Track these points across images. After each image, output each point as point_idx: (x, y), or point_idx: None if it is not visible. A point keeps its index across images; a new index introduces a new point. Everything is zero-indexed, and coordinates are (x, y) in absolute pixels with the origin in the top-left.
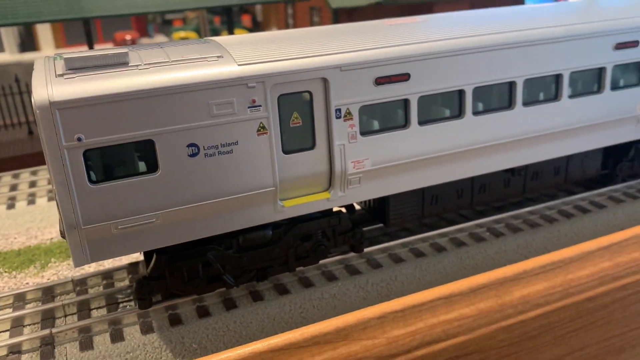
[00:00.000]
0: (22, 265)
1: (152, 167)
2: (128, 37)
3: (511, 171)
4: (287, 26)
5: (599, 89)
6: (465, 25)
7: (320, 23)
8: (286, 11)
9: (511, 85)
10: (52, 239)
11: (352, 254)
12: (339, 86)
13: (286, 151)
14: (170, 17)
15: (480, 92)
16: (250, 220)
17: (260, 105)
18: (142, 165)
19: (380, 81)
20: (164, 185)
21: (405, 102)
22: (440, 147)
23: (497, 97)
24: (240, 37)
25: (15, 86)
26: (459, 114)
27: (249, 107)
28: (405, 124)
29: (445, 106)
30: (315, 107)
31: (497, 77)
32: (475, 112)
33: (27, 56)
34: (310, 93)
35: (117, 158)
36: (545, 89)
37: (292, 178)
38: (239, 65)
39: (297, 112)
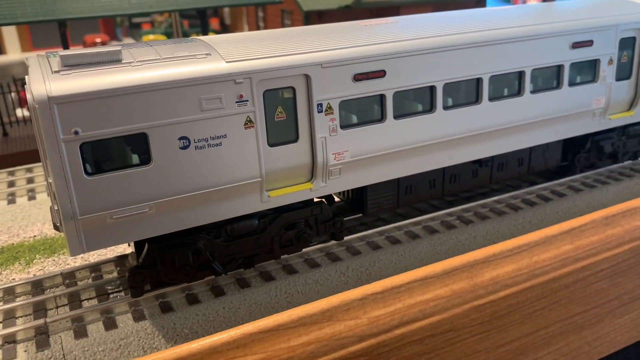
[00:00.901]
0: (7, 262)
1: (146, 159)
2: (98, 39)
3: (479, 162)
4: (257, 29)
5: (558, 85)
6: (435, 26)
7: (291, 26)
8: (257, 14)
9: (478, 81)
10: (34, 236)
11: (332, 242)
12: (320, 82)
13: (271, 144)
14: (138, 20)
15: (450, 88)
16: (238, 209)
17: (247, 100)
18: (135, 158)
19: (358, 77)
20: (156, 176)
21: (382, 98)
22: (414, 139)
23: (465, 93)
24: (226, 36)
25: None
26: (430, 108)
27: (236, 102)
28: (382, 118)
29: (418, 101)
30: (298, 102)
31: (465, 74)
32: (446, 107)
33: None
34: (293, 89)
35: (112, 151)
36: (509, 85)
37: (277, 169)
38: (227, 62)
39: (282, 106)
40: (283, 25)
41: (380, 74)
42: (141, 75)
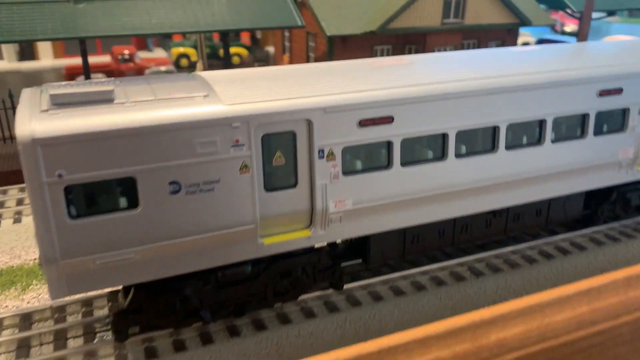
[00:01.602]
0: (4, 286)
1: (133, 203)
2: (126, 51)
3: (493, 212)
4: (283, 48)
5: (582, 135)
6: (450, 69)
7: (315, 48)
8: (283, 34)
9: (494, 129)
10: (35, 259)
11: (332, 291)
12: (323, 127)
13: (268, 189)
14: None
15: (464, 136)
16: (229, 257)
17: (243, 145)
18: (122, 202)
19: (364, 123)
20: (143, 221)
21: (389, 144)
22: (423, 188)
23: (480, 141)
24: (227, 73)
25: (9, 101)
26: (441, 156)
27: (232, 146)
28: (388, 164)
29: (429, 148)
30: (298, 146)
31: (480, 121)
32: (458, 155)
33: (25, 65)
34: (294, 133)
35: (97, 194)
36: (528, 134)
37: (273, 215)
38: (225, 105)
39: (281, 151)
40: (307, 48)
41: (388, 120)
42: (133, 117)
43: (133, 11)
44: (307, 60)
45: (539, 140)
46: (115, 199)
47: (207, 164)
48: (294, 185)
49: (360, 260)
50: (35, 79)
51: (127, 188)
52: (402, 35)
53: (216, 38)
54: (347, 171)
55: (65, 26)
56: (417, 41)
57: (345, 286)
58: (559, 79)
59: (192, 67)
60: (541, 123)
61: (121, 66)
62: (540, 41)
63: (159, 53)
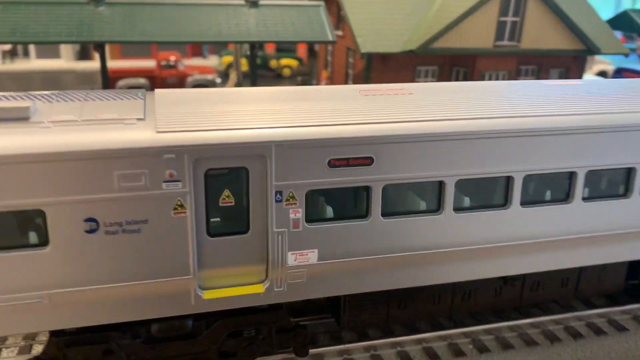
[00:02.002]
0: None
1: (42, 240)
2: (172, 57)
3: (504, 279)
4: (326, 63)
5: (626, 194)
6: (455, 104)
7: (354, 65)
8: (327, 48)
9: (508, 180)
10: None
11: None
12: (282, 165)
13: (213, 234)
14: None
15: (467, 186)
16: (160, 310)
17: (179, 181)
18: (31, 237)
19: (334, 163)
20: (54, 262)
21: (367, 190)
22: (410, 245)
23: (488, 193)
24: (185, 93)
25: None
26: (437, 208)
27: (164, 182)
28: (367, 214)
29: (420, 198)
30: (251, 186)
31: (488, 169)
32: (459, 209)
33: (82, 65)
34: (246, 170)
35: (2, 227)
36: (553, 188)
37: (219, 265)
38: (157, 132)
39: (229, 190)
40: (347, 64)
41: (366, 161)
42: (44, 141)
43: (155, 17)
44: (346, 77)
45: (566, 197)
46: (21, 234)
47: (131, 201)
48: (245, 231)
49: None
50: (87, 79)
51: (36, 222)
52: (450, 57)
53: (270, 48)
54: (313, 219)
55: (79, 30)
56: (465, 63)
57: (315, 351)
58: (597, 123)
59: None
60: (571, 176)
61: (163, 72)
62: (618, 71)
63: (212, 61)
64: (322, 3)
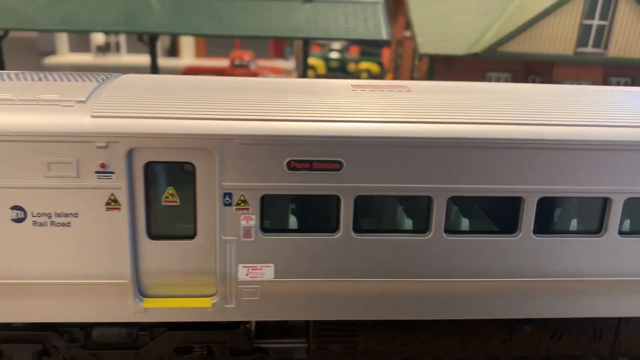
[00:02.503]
0: None
1: None
2: (246, 57)
3: (511, 323)
4: (395, 66)
5: None
6: (459, 105)
7: (419, 67)
8: (396, 50)
9: (518, 202)
10: None
11: None
12: (232, 163)
13: (154, 236)
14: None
15: (464, 204)
16: (95, 314)
17: (111, 172)
18: None
19: (295, 165)
20: None
21: (336, 200)
22: (388, 270)
23: (491, 214)
24: (151, 78)
25: None
26: (424, 228)
27: (96, 173)
28: (336, 228)
29: (406, 215)
30: (198, 185)
31: (491, 186)
32: (451, 231)
33: (169, 62)
34: (192, 166)
35: None
36: (578, 215)
37: (161, 272)
38: (92, 116)
39: (174, 187)
40: (413, 67)
41: (334, 165)
42: None
43: (204, 10)
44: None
45: (599, 230)
46: None
47: (61, 191)
48: (192, 236)
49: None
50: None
51: None
52: (525, 63)
53: (354, 52)
54: (269, 228)
55: (129, 20)
56: (542, 71)
57: None
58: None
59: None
60: (605, 203)
61: (235, 71)
62: None
63: (290, 63)
64: (380, 0)
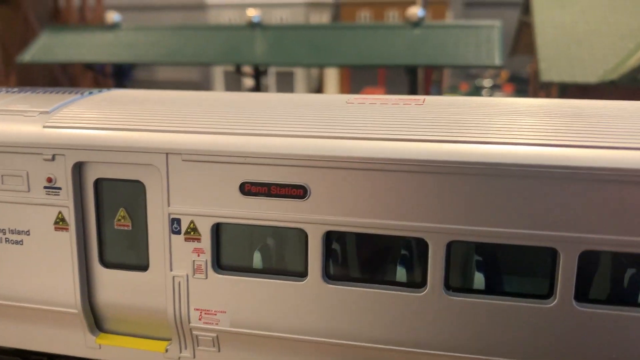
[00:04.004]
0: None
1: None
2: (379, 94)
3: None
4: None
5: None
6: (475, 122)
7: (550, 96)
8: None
9: (554, 255)
10: None
11: None
12: (179, 183)
13: (107, 264)
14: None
15: (469, 252)
16: (50, 344)
17: (59, 188)
18: None
19: (250, 189)
20: None
21: (304, 235)
22: (372, 333)
23: (512, 265)
24: (135, 93)
25: None
26: (420, 284)
27: (45, 188)
28: (304, 272)
29: (394, 262)
30: (149, 207)
31: (506, 226)
32: (453, 289)
33: None
34: (142, 185)
35: None
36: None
37: (117, 305)
38: (43, 127)
39: (125, 209)
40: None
41: (296, 191)
42: None
43: (304, 41)
44: None
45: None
46: None
47: (13, 206)
48: (145, 267)
49: None
50: None
51: None
52: None
53: (508, 90)
54: (225, 265)
55: (233, 52)
56: None
57: None
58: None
59: None
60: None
61: None
62: None
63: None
64: (498, 23)
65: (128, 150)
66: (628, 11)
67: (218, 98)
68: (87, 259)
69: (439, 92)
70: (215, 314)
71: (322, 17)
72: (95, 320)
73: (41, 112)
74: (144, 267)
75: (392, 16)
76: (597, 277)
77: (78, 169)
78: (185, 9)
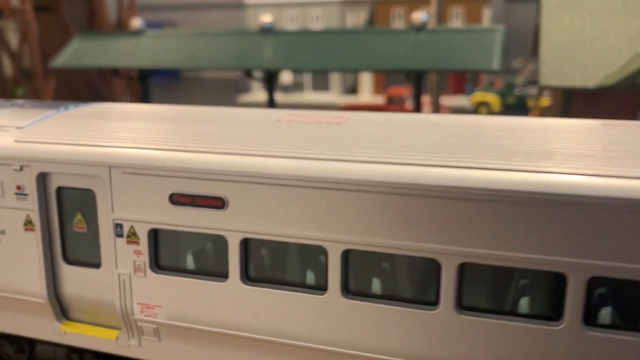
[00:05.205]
0: None
1: None
2: (404, 93)
3: None
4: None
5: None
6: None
7: (551, 101)
8: None
9: (433, 265)
10: None
11: None
12: (120, 193)
13: (69, 261)
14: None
15: (368, 261)
16: (25, 328)
17: (27, 194)
18: None
19: (178, 200)
20: None
21: (223, 241)
22: (282, 329)
23: (404, 278)
24: (111, 107)
25: None
26: (323, 286)
27: (16, 194)
28: (225, 274)
29: (302, 266)
30: (99, 213)
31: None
32: (355, 294)
33: (344, 99)
34: (93, 193)
35: None
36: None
37: (77, 297)
38: (14, 141)
39: (82, 214)
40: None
41: (216, 202)
42: None
43: (312, 46)
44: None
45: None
46: None
47: None
48: (98, 265)
49: None
50: None
51: None
52: None
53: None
54: (161, 266)
55: (245, 57)
56: None
57: None
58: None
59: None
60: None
61: (390, 107)
62: None
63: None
64: (500, 27)
65: (81, 164)
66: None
67: (168, 113)
68: (52, 256)
69: (472, 89)
70: (154, 308)
71: (358, 16)
72: (62, 310)
73: (16, 127)
74: (97, 264)
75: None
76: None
77: (42, 179)
78: (224, 8)
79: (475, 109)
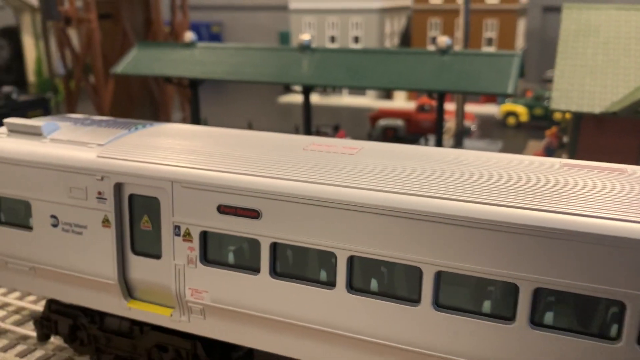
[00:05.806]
0: None
1: (30, 225)
2: (434, 102)
3: None
4: None
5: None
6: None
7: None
8: None
9: (418, 272)
10: None
11: None
12: (180, 202)
13: (136, 252)
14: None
15: (367, 266)
16: (99, 304)
17: (105, 199)
18: (23, 220)
19: (224, 210)
20: (35, 242)
21: (256, 244)
22: (300, 315)
23: (399, 282)
24: (172, 128)
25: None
26: (332, 282)
27: (97, 198)
28: (258, 269)
29: (317, 266)
30: (162, 216)
31: (391, 253)
32: (356, 289)
33: (379, 103)
34: (158, 201)
35: (8, 208)
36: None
37: (141, 280)
38: (97, 157)
39: (148, 216)
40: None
41: (253, 213)
42: (36, 150)
43: (343, 63)
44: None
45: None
46: (19, 216)
47: (78, 209)
48: (159, 256)
49: None
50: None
51: (27, 211)
52: None
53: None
54: (208, 260)
55: (283, 72)
56: None
57: None
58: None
59: (518, 127)
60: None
61: (419, 115)
62: None
63: (491, 108)
64: (519, 53)
65: (149, 177)
66: None
67: (218, 136)
68: (123, 248)
69: (504, 99)
70: (201, 293)
71: (396, 24)
72: (129, 290)
73: (98, 145)
74: (158, 256)
75: (458, 24)
76: None
77: (118, 187)
78: (270, 9)
79: (504, 119)
